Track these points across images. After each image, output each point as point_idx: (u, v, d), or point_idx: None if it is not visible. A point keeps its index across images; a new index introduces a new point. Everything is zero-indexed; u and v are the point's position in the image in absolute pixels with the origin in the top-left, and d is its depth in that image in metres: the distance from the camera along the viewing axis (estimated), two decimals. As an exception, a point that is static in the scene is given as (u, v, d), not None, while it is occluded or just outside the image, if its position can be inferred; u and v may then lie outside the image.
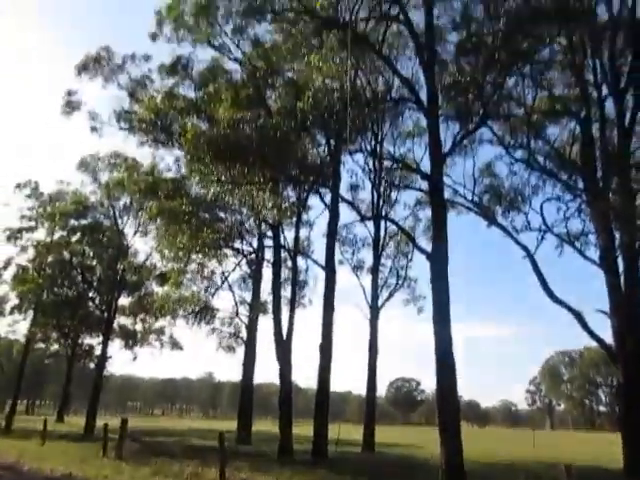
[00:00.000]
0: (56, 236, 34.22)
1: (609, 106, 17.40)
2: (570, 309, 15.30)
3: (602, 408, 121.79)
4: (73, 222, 33.23)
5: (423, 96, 15.37)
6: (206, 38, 19.70)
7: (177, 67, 21.77)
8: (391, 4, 16.22)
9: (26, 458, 14.96)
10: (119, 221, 33.42)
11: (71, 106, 23.47)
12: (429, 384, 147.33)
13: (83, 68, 22.20)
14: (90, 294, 33.95)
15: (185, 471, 12.75)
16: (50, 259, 33.83)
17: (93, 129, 23.81)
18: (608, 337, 15.18)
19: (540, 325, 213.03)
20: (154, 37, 20.93)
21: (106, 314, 31.66)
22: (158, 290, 30.70)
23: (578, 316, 15.03)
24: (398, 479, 10.19)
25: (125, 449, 15.99)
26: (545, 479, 12.62)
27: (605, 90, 17.23)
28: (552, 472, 15.27)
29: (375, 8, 16.72)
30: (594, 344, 16.57)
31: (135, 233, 33.08)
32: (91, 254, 34.69)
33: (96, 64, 22.20)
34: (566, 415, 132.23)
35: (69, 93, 23.49)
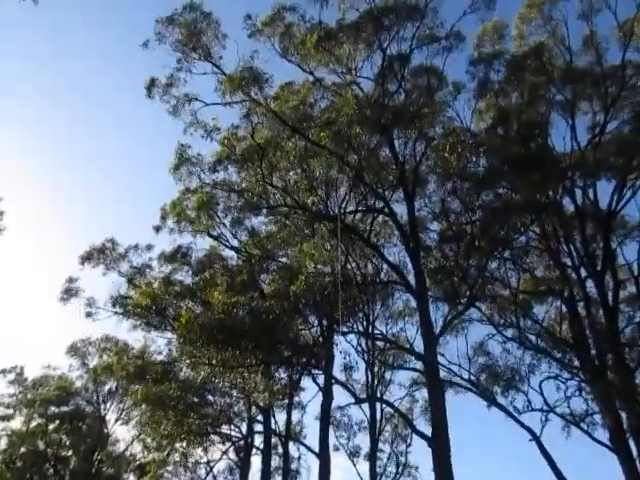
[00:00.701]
0: (33, 424, 32.25)
1: (591, 285, 18.05)
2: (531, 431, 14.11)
3: None
4: (53, 409, 31.68)
5: (411, 279, 16.09)
6: (206, 229, 21.05)
7: (177, 255, 22.85)
8: (376, 199, 17.84)
9: None
10: (102, 407, 31.92)
11: (70, 293, 23.85)
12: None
13: (87, 258, 23.09)
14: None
15: None
16: (23, 450, 31.41)
17: (88, 314, 23.90)
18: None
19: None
20: (158, 229, 22.33)
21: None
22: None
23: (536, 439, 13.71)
24: None
25: None
26: None
27: (584, 272, 18.02)
28: None
29: (361, 202, 18.34)
30: None
31: (117, 420, 31.43)
32: (67, 443, 32.44)
33: (100, 254, 23.18)
34: None
35: (70, 280, 24.02)
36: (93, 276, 25.82)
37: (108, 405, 32.16)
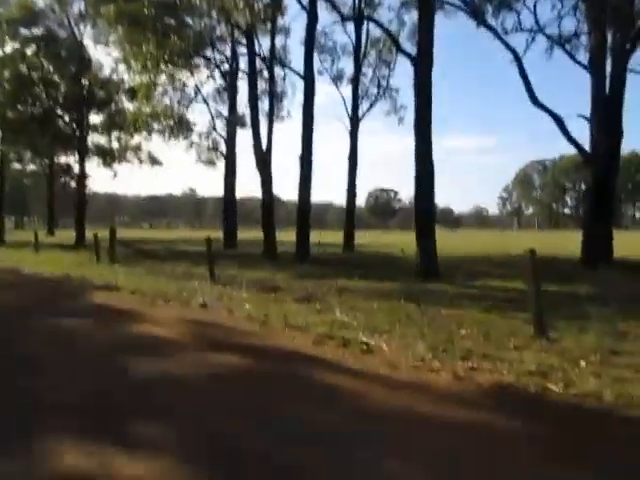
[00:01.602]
0: (8, 48, 31.40)
1: None
2: (551, 113, 15.25)
3: (567, 210, 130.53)
4: (24, 31, 30.24)
5: None
6: None
7: None
8: None
9: (24, 264, 15.87)
10: (76, 30, 30.51)
11: None
12: (407, 194, 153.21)
13: None
14: (58, 111, 32.48)
15: (176, 270, 13.74)
16: (7, 74, 31.51)
17: None
18: (586, 145, 15.46)
19: (521, 136, 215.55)
20: None
21: (78, 132, 30.76)
22: (129, 106, 29.51)
23: (558, 121, 15.04)
24: (376, 269, 11.16)
25: (117, 254, 16.95)
26: (508, 266, 13.93)
27: None
28: (516, 260, 16.88)
29: None
30: (569, 152, 17.01)
31: (96, 44, 30.54)
32: (51, 69, 32.31)
33: None
34: (532, 218, 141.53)
35: None
36: None
37: (82, 28, 30.74)
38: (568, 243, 26.71)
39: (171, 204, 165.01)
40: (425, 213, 12.09)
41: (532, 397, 4.29)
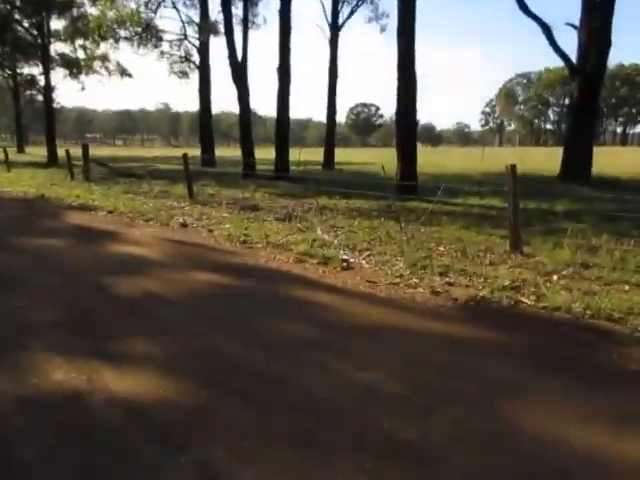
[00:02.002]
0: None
1: None
2: (540, 22, 14.66)
3: (549, 126, 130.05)
4: None
5: None
6: None
7: None
8: None
9: (-5, 184, 15.41)
10: None
11: None
12: (388, 110, 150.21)
13: None
14: (16, 16, 30.08)
15: (154, 189, 13.52)
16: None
17: None
18: (573, 57, 14.99)
19: (506, 48, 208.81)
20: None
21: (39, 39, 28.72)
22: (93, 10, 27.41)
23: (546, 30, 14.50)
24: (357, 187, 11.11)
25: (92, 173, 16.51)
26: (488, 184, 14.01)
27: None
28: (495, 178, 16.97)
29: None
30: (554, 65, 16.52)
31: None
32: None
33: None
34: (514, 134, 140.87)
35: None
36: None
37: None
38: (548, 160, 26.84)
39: (145, 120, 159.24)
40: (406, 128, 11.87)
41: (505, 310, 4.47)
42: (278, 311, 4.42)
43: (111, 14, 21.18)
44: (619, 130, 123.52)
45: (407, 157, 11.71)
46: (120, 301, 4.61)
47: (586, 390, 3.01)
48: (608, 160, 26.09)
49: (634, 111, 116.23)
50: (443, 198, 11.69)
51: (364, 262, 6.19)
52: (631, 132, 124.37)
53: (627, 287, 4.85)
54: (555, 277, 5.25)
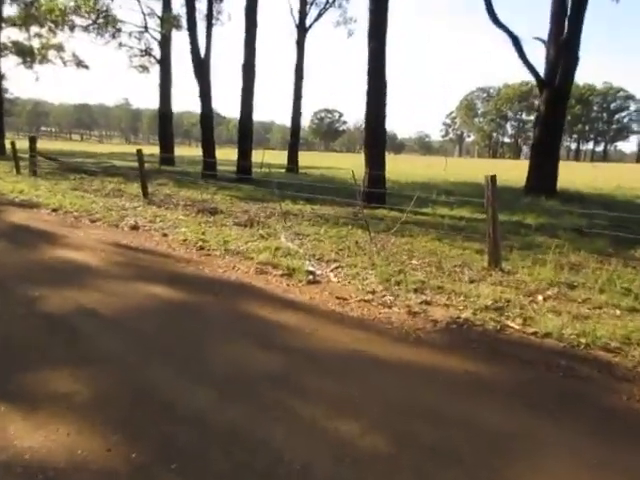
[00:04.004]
0: None
1: None
2: (509, 32, 14.55)
3: (506, 139, 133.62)
4: None
5: None
6: None
7: None
8: None
9: None
10: None
11: None
12: (351, 116, 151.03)
13: None
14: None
15: (107, 187, 12.61)
16: None
17: None
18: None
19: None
20: None
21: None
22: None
23: (515, 40, 14.39)
24: (322, 192, 10.57)
25: (41, 167, 15.39)
26: (454, 194, 13.76)
27: None
28: (462, 188, 16.81)
29: None
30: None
31: None
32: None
33: None
34: (473, 146, 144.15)
35: None
36: None
37: None
38: (510, 171, 27.13)
39: (104, 115, 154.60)
40: (376, 133, 11.42)
41: (490, 335, 4.01)
42: (236, 335, 3.80)
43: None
44: (573, 146, 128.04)
45: (376, 163, 11.26)
46: (45, 318, 3.88)
47: (598, 442, 2.55)
48: (566, 174, 26.56)
49: (587, 128, 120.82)
50: (412, 207, 11.34)
51: (332, 275, 5.66)
52: (584, 148, 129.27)
53: (618, 312, 4.48)
54: (540, 297, 4.85)
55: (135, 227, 7.91)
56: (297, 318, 4.16)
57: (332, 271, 5.82)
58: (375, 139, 11.46)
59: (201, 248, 6.62)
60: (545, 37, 14.60)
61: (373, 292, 5.05)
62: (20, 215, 8.58)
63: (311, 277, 5.48)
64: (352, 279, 5.48)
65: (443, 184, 18.49)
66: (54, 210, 9.19)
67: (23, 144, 16.33)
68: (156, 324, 3.88)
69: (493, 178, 5.58)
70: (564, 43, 13.47)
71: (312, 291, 5.02)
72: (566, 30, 13.54)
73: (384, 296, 4.93)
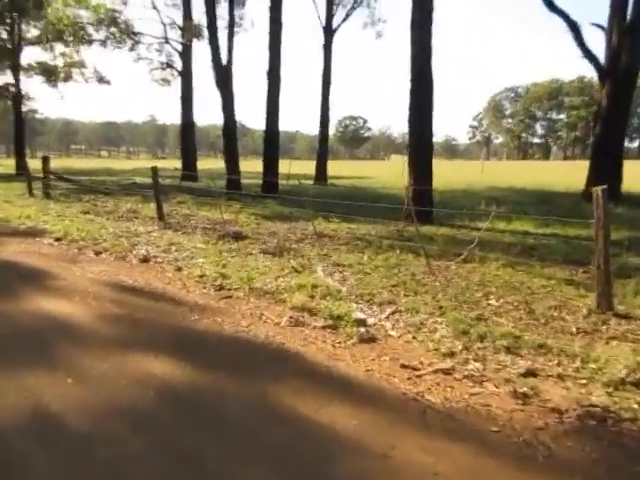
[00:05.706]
0: None
1: None
2: (568, 19, 13.01)
3: (536, 140, 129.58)
4: None
5: None
6: None
7: None
8: None
9: None
10: None
11: None
12: (375, 123, 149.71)
13: None
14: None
15: (122, 208, 11.54)
16: None
17: None
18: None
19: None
20: None
21: (10, 44, 26.68)
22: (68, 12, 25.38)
23: (573, 26, 12.85)
24: (356, 207, 9.25)
25: (57, 188, 14.51)
26: (505, 202, 12.27)
27: None
28: (507, 195, 15.27)
29: None
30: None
31: None
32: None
33: None
34: (501, 148, 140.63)
35: None
36: None
37: None
38: (555, 175, 25.32)
39: (131, 132, 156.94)
40: (422, 145, 9.92)
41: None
42: (268, 457, 2.47)
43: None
44: (634, 145, 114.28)
45: (422, 178, 9.78)
46: (-14, 432, 2.63)
47: None
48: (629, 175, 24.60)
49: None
50: (461, 222, 9.91)
51: (389, 325, 4.33)
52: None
53: None
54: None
55: (145, 259, 6.72)
56: (358, 420, 2.79)
57: (388, 319, 4.49)
58: (422, 151, 9.99)
59: (220, 287, 5.37)
60: (603, 24, 13.02)
61: (451, 354, 3.69)
62: (16, 247, 7.48)
63: (363, 330, 4.15)
64: (416, 331, 4.15)
65: (486, 191, 16.94)
66: (57, 239, 8.09)
67: (52, 164, 15.41)
68: (146, 442, 2.57)
69: (604, 191, 4.16)
70: (628, 28, 11.88)
71: (368, 355, 3.69)
72: (630, 14, 11.95)
73: (467, 361, 3.58)
